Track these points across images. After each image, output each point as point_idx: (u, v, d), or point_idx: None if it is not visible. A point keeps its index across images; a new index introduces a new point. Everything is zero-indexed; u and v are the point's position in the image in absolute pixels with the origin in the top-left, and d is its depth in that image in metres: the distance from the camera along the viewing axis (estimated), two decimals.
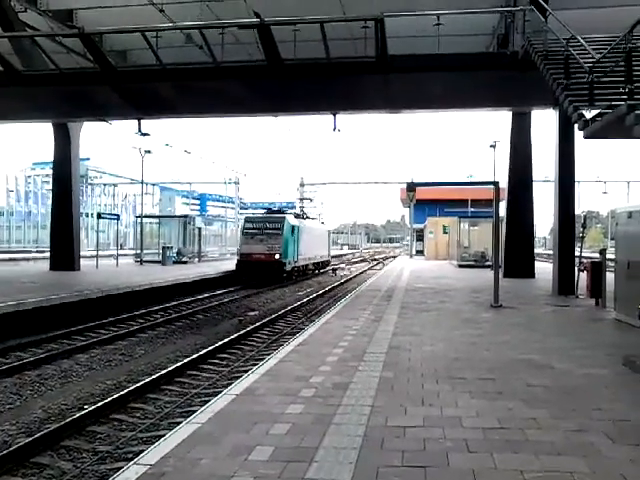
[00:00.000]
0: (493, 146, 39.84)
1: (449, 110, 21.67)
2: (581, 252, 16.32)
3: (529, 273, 21.43)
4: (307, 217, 36.33)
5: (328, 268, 38.81)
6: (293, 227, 27.93)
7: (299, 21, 15.95)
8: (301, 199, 63.61)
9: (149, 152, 40.29)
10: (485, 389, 5.97)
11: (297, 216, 32.47)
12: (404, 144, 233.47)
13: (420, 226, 51.30)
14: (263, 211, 34.62)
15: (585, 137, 9.41)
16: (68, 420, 6.97)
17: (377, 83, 17.62)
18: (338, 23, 16.88)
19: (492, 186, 14.82)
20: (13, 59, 18.45)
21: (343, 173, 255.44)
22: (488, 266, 25.84)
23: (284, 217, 27.99)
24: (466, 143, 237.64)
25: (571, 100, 10.08)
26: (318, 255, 35.11)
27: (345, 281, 28.88)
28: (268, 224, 27.07)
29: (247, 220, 28.96)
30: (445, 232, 39.59)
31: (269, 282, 24.99)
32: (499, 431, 4.69)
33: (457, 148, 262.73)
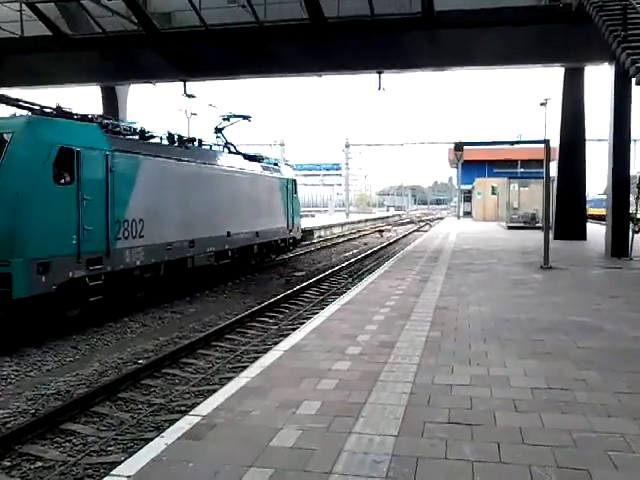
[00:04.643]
0: (544, 104, 38.52)
1: (498, 67, 20.96)
2: (636, 213, 15.81)
3: (580, 235, 20.89)
4: (197, 141, 15.22)
5: (281, 257, 20.51)
6: (77, 154, 9.31)
7: None
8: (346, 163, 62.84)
9: (195, 114, 40.66)
10: (534, 350, 5.91)
11: (129, 133, 11.97)
12: (451, 103, 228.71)
13: (468, 187, 50.44)
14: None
15: None
16: (124, 373, 7.30)
17: (423, 40, 17.16)
18: None
19: (543, 145, 14.37)
20: (61, 23, 18.73)
21: (389, 134, 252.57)
22: (538, 227, 25.34)
23: (25, 122, 9.04)
24: (516, 102, 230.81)
25: (629, 53, 9.63)
26: (237, 233, 15.72)
27: (391, 242, 28.76)
28: None
29: None
30: (494, 193, 38.84)
31: None
32: (547, 391, 4.66)
33: (507, 107, 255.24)
